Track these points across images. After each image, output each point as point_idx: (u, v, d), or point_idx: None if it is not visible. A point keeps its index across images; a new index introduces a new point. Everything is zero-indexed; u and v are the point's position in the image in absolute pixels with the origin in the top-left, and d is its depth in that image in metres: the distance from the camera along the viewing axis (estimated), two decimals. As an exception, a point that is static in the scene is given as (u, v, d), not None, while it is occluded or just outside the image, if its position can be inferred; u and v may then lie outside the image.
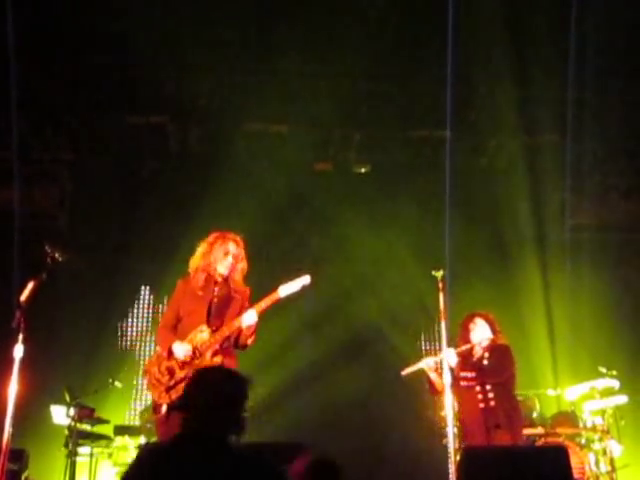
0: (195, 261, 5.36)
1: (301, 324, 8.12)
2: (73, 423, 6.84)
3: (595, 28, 7.74)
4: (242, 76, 8.39)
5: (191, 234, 6.62)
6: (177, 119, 8.88)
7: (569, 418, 6.97)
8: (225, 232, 5.45)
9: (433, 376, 5.79)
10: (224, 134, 8.90)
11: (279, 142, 8.84)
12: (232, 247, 5.34)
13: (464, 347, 5.86)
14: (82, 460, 7.13)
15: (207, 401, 2.83)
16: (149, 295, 7.42)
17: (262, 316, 5.16)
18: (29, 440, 6.31)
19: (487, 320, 5.99)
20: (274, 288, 5.21)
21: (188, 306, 5.21)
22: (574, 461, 5.89)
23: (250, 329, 5.11)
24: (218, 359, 5.03)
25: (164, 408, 4.91)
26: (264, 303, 5.15)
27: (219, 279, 5.29)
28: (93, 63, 8.15)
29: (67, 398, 6.91)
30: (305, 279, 5.24)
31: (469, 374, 5.74)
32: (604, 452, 6.68)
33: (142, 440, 7.06)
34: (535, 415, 6.91)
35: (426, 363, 5.84)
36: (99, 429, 7.32)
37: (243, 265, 5.38)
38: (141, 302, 7.76)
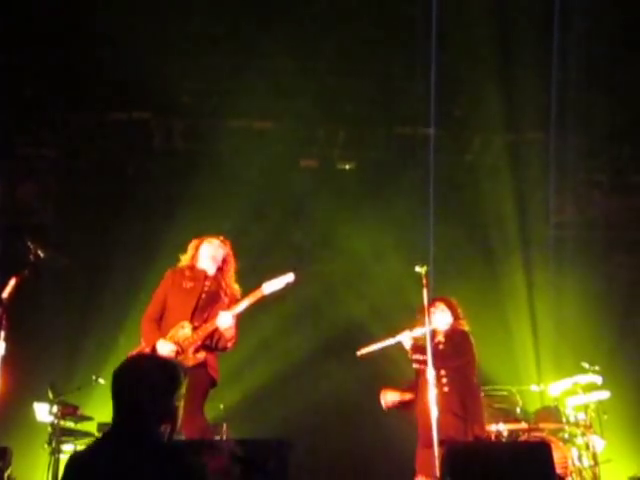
0: (185, 259, 5.39)
1: (285, 321, 8.10)
2: (56, 420, 6.81)
3: (579, 26, 7.79)
4: (227, 72, 8.38)
5: (176, 230, 6.64)
6: (161, 115, 8.86)
7: (552, 413, 7.00)
8: (210, 236, 5.47)
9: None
10: (208, 130, 8.88)
11: (264, 139, 8.84)
12: (219, 251, 5.37)
13: (420, 330, 5.70)
14: (66, 457, 7.09)
15: (133, 392, 2.72)
16: (133, 291, 7.38)
17: (245, 314, 5.16)
18: (12, 438, 6.27)
19: (448, 305, 5.88)
20: (257, 286, 5.22)
21: (176, 298, 5.21)
22: (557, 456, 5.90)
23: (229, 332, 5.10)
24: (201, 355, 5.04)
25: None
26: (245, 302, 5.16)
27: (210, 274, 5.30)
28: (77, 59, 8.11)
29: (50, 395, 6.88)
30: (289, 277, 5.25)
31: (421, 357, 5.57)
32: (587, 447, 6.72)
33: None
34: (518, 411, 6.94)
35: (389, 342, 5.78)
36: (83, 426, 7.29)
37: (233, 266, 5.40)
38: (124, 298, 7.72)
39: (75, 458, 2.82)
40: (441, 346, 5.71)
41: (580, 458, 6.71)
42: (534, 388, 7.57)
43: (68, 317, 8.23)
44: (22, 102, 8.41)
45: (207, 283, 5.27)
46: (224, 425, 7.24)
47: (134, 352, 5.17)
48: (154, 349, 5.03)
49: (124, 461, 2.61)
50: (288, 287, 5.25)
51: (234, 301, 5.26)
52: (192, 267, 5.33)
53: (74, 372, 7.72)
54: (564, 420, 6.90)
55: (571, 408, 7.01)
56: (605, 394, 7.02)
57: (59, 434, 6.78)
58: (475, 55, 8.05)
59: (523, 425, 6.79)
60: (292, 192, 8.89)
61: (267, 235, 8.84)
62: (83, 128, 8.84)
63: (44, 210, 9.04)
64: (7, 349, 4.59)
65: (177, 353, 4.99)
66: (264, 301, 5.23)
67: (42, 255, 4.93)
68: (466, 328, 5.90)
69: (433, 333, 5.74)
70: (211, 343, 5.14)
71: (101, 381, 7.12)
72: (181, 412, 4.62)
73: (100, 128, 8.84)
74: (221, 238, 5.47)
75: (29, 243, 4.95)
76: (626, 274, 9.30)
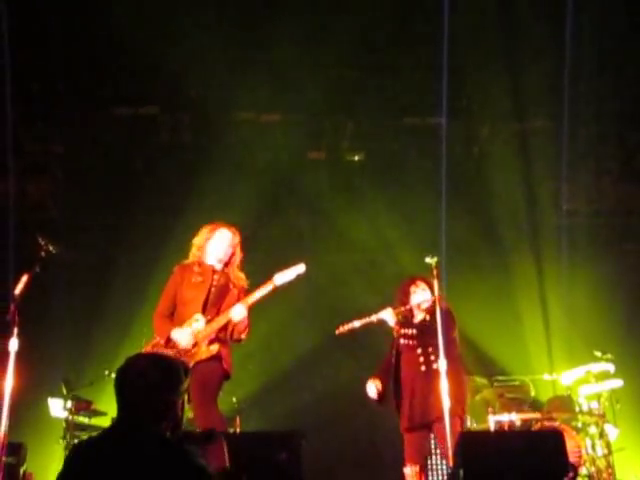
0: (194, 250, 5.37)
1: (294, 313, 8.11)
2: (70, 416, 6.86)
3: (589, 13, 7.73)
4: (233, 65, 8.35)
5: (184, 224, 6.63)
6: (168, 110, 8.86)
7: (565, 402, 7.00)
8: (222, 223, 5.45)
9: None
10: (215, 124, 8.87)
11: (271, 131, 8.83)
12: (229, 238, 5.35)
13: (402, 308, 5.61)
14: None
15: (133, 390, 2.81)
16: (142, 285, 7.40)
17: (255, 306, 5.16)
18: (27, 433, 6.32)
19: (429, 284, 5.63)
20: (269, 277, 5.21)
21: (186, 293, 5.20)
22: (570, 445, 5.90)
23: (242, 323, 5.11)
24: (215, 348, 5.03)
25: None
26: (258, 293, 5.15)
27: (217, 269, 5.30)
28: (84, 55, 8.11)
29: (64, 391, 6.91)
30: (300, 268, 5.24)
31: (410, 331, 5.49)
32: (600, 436, 6.71)
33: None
34: (531, 400, 6.94)
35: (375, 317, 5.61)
36: (96, 421, 7.32)
37: (240, 257, 5.39)
38: (134, 292, 7.74)
39: (78, 447, 2.88)
40: (427, 323, 5.47)
41: (593, 447, 6.70)
42: (546, 377, 7.57)
43: (79, 312, 8.27)
44: (29, 98, 8.43)
45: (215, 277, 5.27)
46: (237, 418, 7.27)
47: (148, 346, 5.18)
48: (169, 340, 5.04)
49: (124, 454, 2.68)
50: (299, 278, 5.25)
51: (243, 292, 5.26)
52: (200, 263, 5.32)
53: (87, 367, 7.76)
54: (577, 409, 6.90)
55: (584, 397, 7.00)
56: (618, 382, 7.00)
57: (73, 429, 6.84)
58: (483, 43, 7.99)
59: (536, 414, 6.79)
60: (300, 184, 8.88)
61: (275, 227, 8.86)
62: (90, 124, 8.85)
63: (52, 206, 9.07)
64: (20, 345, 4.61)
65: (193, 344, 5.00)
66: (275, 292, 5.22)
67: (53, 251, 4.94)
68: (448, 305, 5.65)
69: (413, 311, 5.65)
70: (225, 335, 5.15)
71: (114, 376, 7.14)
72: (184, 408, 4.63)
73: (107, 123, 8.85)
74: (233, 229, 5.45)
75: (40, 239, 4.97)
76: (637, 261, 9.27)
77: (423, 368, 5.36)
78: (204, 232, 5.41)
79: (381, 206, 8.88)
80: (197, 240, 5.39)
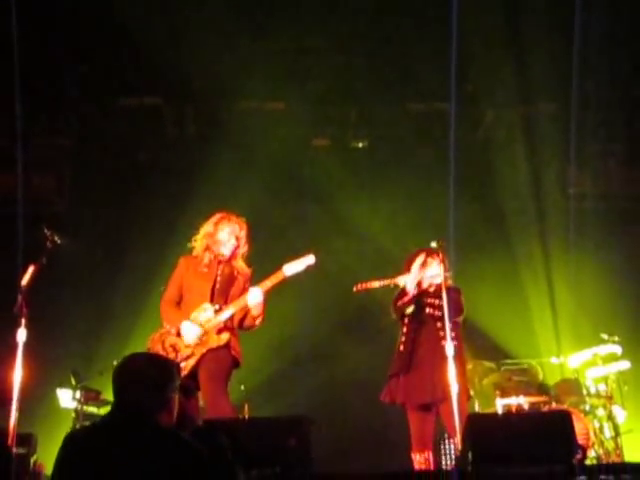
0: (199, 240, 5.38)
1: (300, 300, 8.11)
2: (80, 406, 6.90)
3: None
4: (237, 54, 8.32)
5: (189, 214, 6.63)
6: (172, 100, 8.85)
7: (572, 385, 7.01)
8: (230, 213, 5.45)
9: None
10: (220, 113, 8.87)
11: (276, 119, 8.80)
12: (236, 229, 5.35)
13: (416, 276, 5.45)
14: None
15: (129, 389, 2.92)
16: (149, 276, 7.42)
17: (265, 295, 5.16)
18: (37, 424, 6.33)
19: (442, 261, 5.43)
20: (278, 267, 5.20)
21: (192, 283, 5.22)
22: (578, 427, 5.90)
23: (257, 309, 5.10)
24: (225, 336, 5.06)
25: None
26: (269, 282, 5.15)
27: (223, 259, 5.30)
28: (89, 47, 8.11)
29: (73, 381, 6.95)
30: (310, 259, 5.23)
31: (436, 301, 5.32)
32: (608, 418, 6.73)
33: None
34: (539, 383, 6.95)
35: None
36: (105, 411, 7.31)
37: (246, 248, 5.40)
38: (141, 283, 7.76)
39: (70, 437, 2.98)
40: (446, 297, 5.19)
41: (602, 429, 6.71)
42: (554, 360, 7.58)
43: (86, 303, 8.30)
44: (35, 91, 8.43)
45: (221, 267, 5.29)
46: (245, 405, 7.30)
47: (156, 335, 5.20)
48: (179, 331, 5.06)
49: (121, 441, 2.80)
50: (309, 269, 5.23)
51: (249, 281, 5.27)
52: (205, 254, 5.32)
53: (95, 357, 7.79)
54: (584, 392, 6.90)
55: (591, 379, 7.01)
56: (625, 364, 7.01)
57: (83, 419, 6.88)
58: (489, 27, 7.92)
59: (544, 397, 6.80)
60: (306, 172, 8.87)
61: (281, 216, 8.85)
62: (95, 116, 8.86)
63: (59, 199, 9.09)
64: (29, 337, 4.64)
65: (202, 337, 5.01)
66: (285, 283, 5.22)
67: (59, 242, 4.97)
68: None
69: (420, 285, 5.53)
70: (233, 324, 5.17)
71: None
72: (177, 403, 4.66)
73: (111, 115, 8.85)
74: (240, 220, 5.45)
75: (46, 230, 4.99)
76: (645, 244, 9.23)
77: (443, 342, 5.07)
78: (211, 221, 5.42)
79: (387, 193, 8.87)
80: (204, 229, 5.40)
